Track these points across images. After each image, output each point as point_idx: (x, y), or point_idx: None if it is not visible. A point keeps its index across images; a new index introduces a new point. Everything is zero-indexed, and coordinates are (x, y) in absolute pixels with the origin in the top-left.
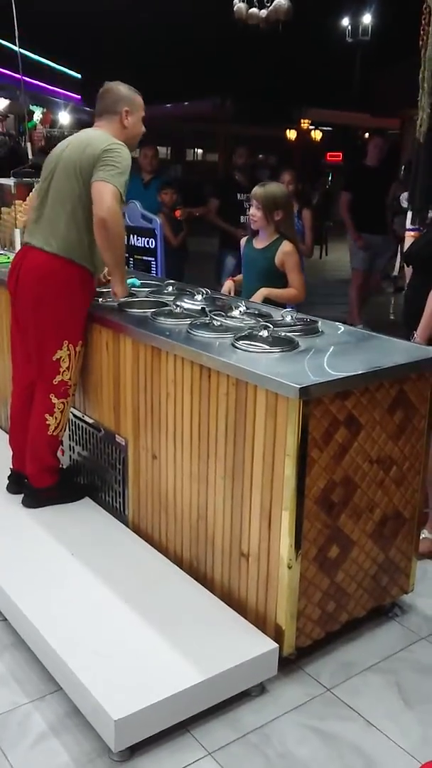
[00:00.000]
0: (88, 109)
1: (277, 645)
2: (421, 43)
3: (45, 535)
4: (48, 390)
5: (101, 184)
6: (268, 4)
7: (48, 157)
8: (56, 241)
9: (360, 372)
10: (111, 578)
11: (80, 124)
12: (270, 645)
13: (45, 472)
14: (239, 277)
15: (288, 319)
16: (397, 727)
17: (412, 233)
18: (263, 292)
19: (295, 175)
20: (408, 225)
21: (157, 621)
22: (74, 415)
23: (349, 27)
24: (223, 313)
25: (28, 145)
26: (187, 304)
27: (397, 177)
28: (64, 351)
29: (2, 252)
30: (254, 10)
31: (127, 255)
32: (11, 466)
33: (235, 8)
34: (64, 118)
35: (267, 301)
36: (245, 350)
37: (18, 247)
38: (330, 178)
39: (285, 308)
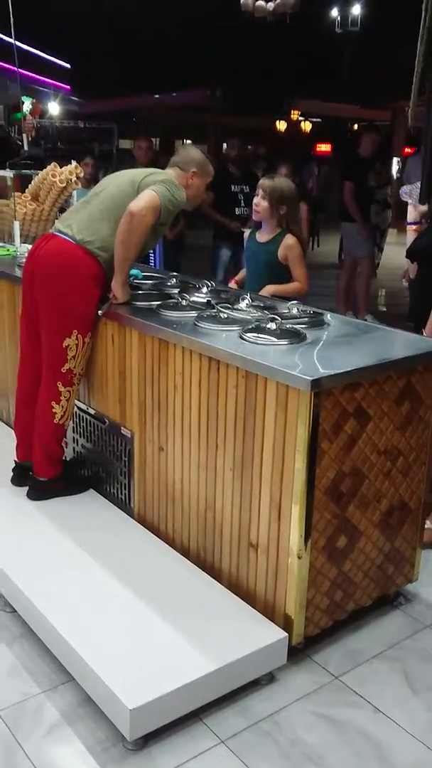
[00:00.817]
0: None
1: (286, 634)
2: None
3: (51, 526)
4: (55, 378)
5: (150, 191)
6: None
7: (109, 177)
8: (90, 234)
9: (370, 364)
10: (119, 569)
11: (69, 115)
12: (280, 634)
13: (50, 461)
14: (241, 275)
15: (294, 311)
16: (404, 713)
17: (413, 227)
18: (269, 289)
19: (292, 168)
20: (409, 219)
21: (167, 611)
22: (78, 408)
23: (339, 18)
24: (229, 306)
25: (23, 136)
26: (192, 296)
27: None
28: (73, 340)
29: (1, 245)
30: (261, 2)
31: None
32: (15, 459)
33: (242, 0)
34: (54, 108)
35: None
36: (253, 342)
37: (18, 239)
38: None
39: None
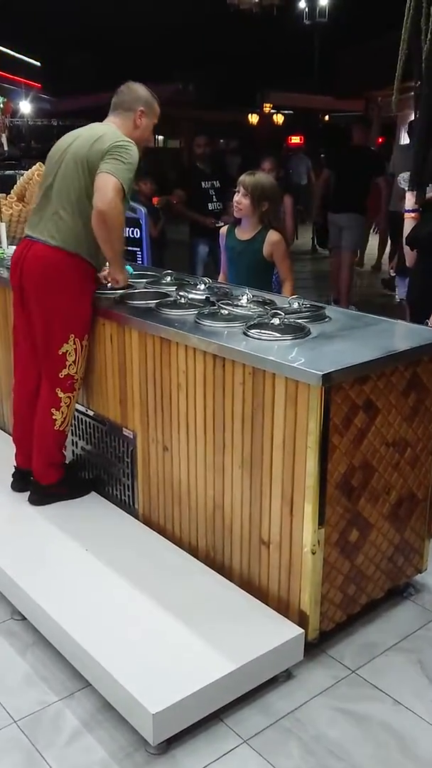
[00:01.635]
0: (48, 97)
1: (302, 630)
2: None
3: (56, 531)
4: (54, 384)
5: (106, 176)
6: None
7: (52, 151)
8: (61, 235)
9: (378, 356)
10: (128, 572)
11: (41, 113)
12: (296, 630)
13: (51, 467)
14: (223, 276)
15: (295, 305)
16: (423, 704)
17: (412, 215)
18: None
19: (276, 162)
20: (407, 207)
21: (181, 612)
22: (77, 410)
23: (306, 9)
24: (230, 302)
25: (3, 136)
26: (190, 293)
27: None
28: (71, 345)
29: None
30: None
31: None
32: (15, 464)
33: None
34: (25, 107)
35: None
36: (258, 338)
37: (5, 241)
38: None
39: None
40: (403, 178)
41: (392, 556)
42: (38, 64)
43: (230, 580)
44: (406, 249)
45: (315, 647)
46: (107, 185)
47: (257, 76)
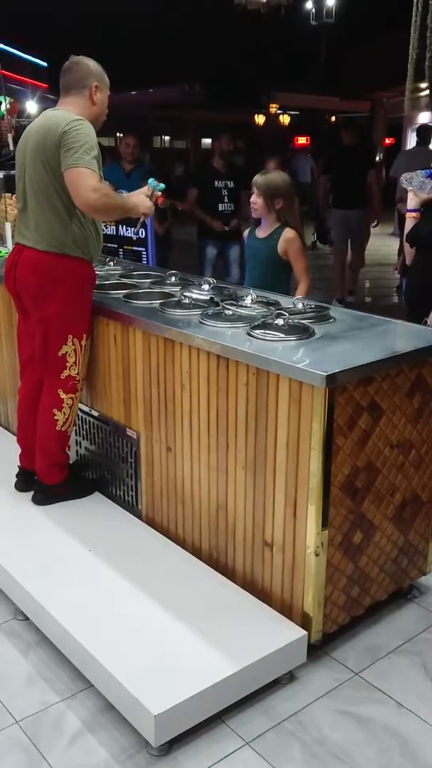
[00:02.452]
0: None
1: (305, 632)
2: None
3: (59, 531)
4: (56, 385)
5: (71, 171)
6: None
7: (17, 150)
8: (44, 238)
9: (383, 357)
10: (131, 572)
11: None
12: (299, 632)
13: (54, 468)
14: None
15: (299, 306)
16: (427, 707)
17: (413, 214)
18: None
19: (280, 162)
20: (408, 206)
21: (184, 613)
22: (81, 410)
23: (313, 10)
24: (235, 302)
25: (8, 136)
26: (194, 294)
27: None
28: (69, 346)
29: None
30: None
31: (116, 245)
32: (19, 464)
33: None
34: (32, 107)
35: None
36: (262, 339)
37: (9, 240)
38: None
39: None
40: (406, 178)
41: (396, 558)
42: (45, 64)
43: (233, 582)
44: (406, 247)
45: (318, 649)
46: (78, 180)
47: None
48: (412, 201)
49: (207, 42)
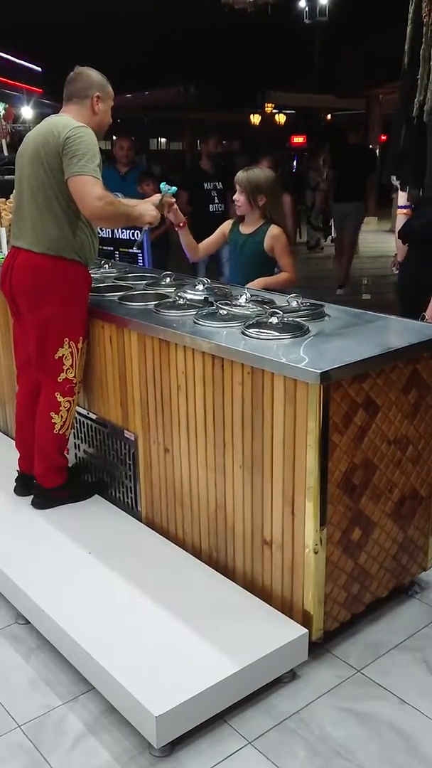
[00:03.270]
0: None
1: (306, 630)
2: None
3: (59, 535)
4: (53, 389)
5: (75, 179)
6: None
7: (17, 155)
8: (40, 241)
9: (377, 353)
10: (131, 574)
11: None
12: (300, 631)
13: (53, 471)
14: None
15: (293, 303)
16: (430, 703)
17: (404, 211)
18: (259, 282)
19: (274, 161)
20: (400, 203)
21: (185, 613)
22: (79, 413)
23: (306, 8)
24: (229, 302)
25: (3, 141)
26: (189, 294)
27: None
28: (66, 349)
29: None
30: None
31: (112, 248)
32: (18, 469)
33: None
34: (27, 112)
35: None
36: (256, 338)
37: (5, 246)
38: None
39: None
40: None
41: (396, 554)
42: (39, 69)
43: (233, 581)
44: (398, 243)
45: (319, 647)
46: (82, 188)
47: (258, 76)
48: (402, 199)
49: (201, 43)
